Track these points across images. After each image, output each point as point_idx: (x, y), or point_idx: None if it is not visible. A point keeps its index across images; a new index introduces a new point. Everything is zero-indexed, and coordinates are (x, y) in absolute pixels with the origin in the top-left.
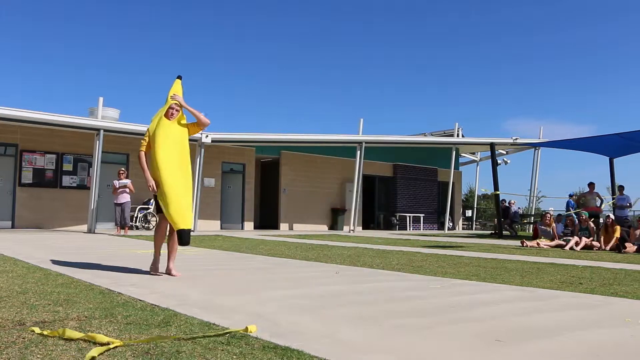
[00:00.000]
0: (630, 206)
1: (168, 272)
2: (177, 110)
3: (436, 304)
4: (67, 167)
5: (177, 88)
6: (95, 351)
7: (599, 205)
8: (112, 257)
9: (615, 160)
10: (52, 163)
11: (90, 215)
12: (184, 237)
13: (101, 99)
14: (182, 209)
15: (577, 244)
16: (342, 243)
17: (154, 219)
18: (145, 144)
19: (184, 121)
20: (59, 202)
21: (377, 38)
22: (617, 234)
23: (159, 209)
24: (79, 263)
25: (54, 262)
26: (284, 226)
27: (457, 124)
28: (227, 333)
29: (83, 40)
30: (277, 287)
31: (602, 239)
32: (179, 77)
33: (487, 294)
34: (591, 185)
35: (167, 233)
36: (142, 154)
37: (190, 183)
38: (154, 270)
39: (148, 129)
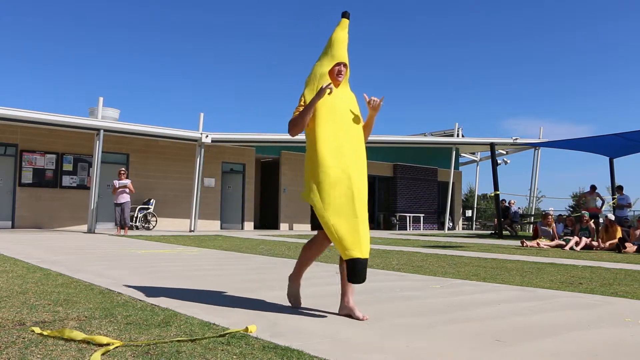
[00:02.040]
0: (630, 206)
1: (348, 311)
2: (345, 67)
3: (436, 304)
4: (67, 167)
5: (342, 36)
6: (98, 354)
7: (599, 207)
8: (113, 257)
9: (615, 160)
10: (52, 163)
11: (90, 216)
12: (358, 271)
13: (101, 99)
14: (357, 225)
15: (577, 243)
16: None
17: (153, 219)
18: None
19: (348, 90)
20: (59, 202)
21: (377, 38)
22: (619, 234)
23: (317, 223)
24: (78, 263)
25: (54, 262)
26: (284, 226)
27: (457, 124)
28: (227, 333)
29: (83, 40)
30: (277, 287)
31: (602, 238)
32: (346, 16)
33: (487, 293)
34: (592, 187)
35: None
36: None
37: (366, 183)
38: (294, 300)
39: (303, 95)
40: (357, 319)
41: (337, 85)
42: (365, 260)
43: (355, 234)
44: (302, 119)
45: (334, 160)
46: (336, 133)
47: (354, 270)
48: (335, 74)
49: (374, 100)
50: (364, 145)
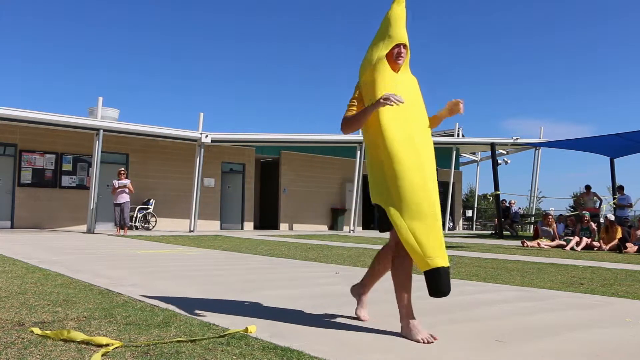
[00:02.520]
0: (631, 206)
1: (358, 300)
2: (405, 48)
3: (436, 304)
4: (67, 167)
5: (398, 12)
6: (98, 355)
7: (597, 206)
8: (112, 257)
9: (615, 160)
10: (51, 163)
11: (90, 216)
12: (444, 281)
13: (101, 99)
14: (439, 229)
15: (577, 244)
16: (342, 243)
17: (153, 219)
18: (355, 109)
19: (409, 74)
20: (59, 202)
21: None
22: (619, 235)
23: (385, 225)
24: (78, 263)
25: (53, 262)
26: (283, 226)
27: (457, 124)
28: (227, 334)
29: (83, 40)
30: (277, 287)
31: (602, 239)
32: None
33: (488, 294)
34: (587, 187)
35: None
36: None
37: (436, 179)
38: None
39: (357, 85)
40: (358, 318)
41: (396, 70)
42: (448, 268)
43: (438, 238)
44: (358, 122)
45: (408, 157)
46: (405, 126)
47: (440, 282)
48: (394, 57)
49: (455, 105)
50: (431, 138)
